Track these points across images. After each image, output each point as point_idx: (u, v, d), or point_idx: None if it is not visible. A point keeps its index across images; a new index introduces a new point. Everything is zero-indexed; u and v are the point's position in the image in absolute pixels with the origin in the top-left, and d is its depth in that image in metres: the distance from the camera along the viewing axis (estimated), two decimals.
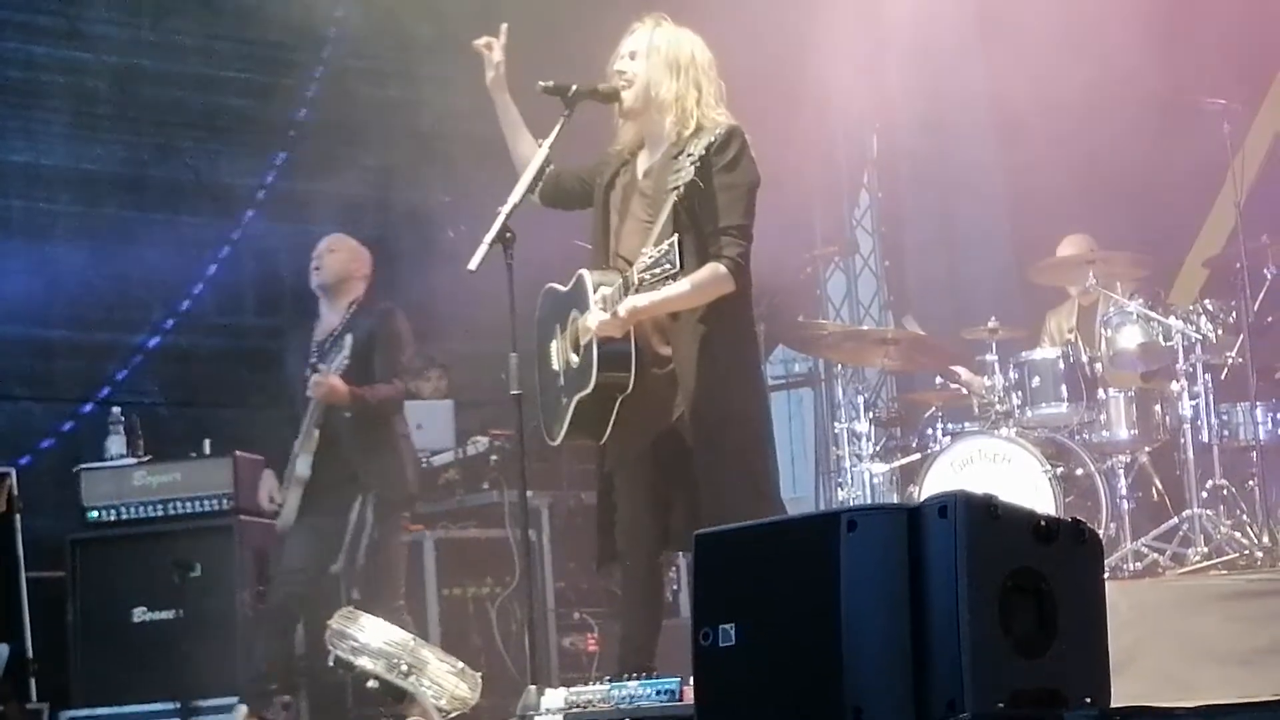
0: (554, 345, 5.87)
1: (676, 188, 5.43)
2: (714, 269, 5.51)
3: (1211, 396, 7.95)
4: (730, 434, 5.56)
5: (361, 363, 7.83)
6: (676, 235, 5.23)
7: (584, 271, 5.71)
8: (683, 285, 5.37)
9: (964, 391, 8.84)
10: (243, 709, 7.72)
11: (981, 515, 3.52)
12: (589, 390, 5.59)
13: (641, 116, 5.80)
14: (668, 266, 5.18)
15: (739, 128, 5.65)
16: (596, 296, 5.52)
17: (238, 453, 8.55)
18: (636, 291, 5.36)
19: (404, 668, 6.38)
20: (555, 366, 5.86)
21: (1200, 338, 7.91)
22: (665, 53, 5.72)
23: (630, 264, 5.47)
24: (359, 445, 7.84)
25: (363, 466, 7.83)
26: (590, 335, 5.54)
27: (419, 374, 8.23)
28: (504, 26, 5.99)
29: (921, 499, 3.60)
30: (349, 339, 7.75)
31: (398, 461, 7.97)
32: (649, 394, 5.59)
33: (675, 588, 9.02)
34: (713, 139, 5.55)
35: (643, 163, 5.83)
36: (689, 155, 5.48)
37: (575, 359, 5.70)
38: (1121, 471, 8.19)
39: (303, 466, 7.80)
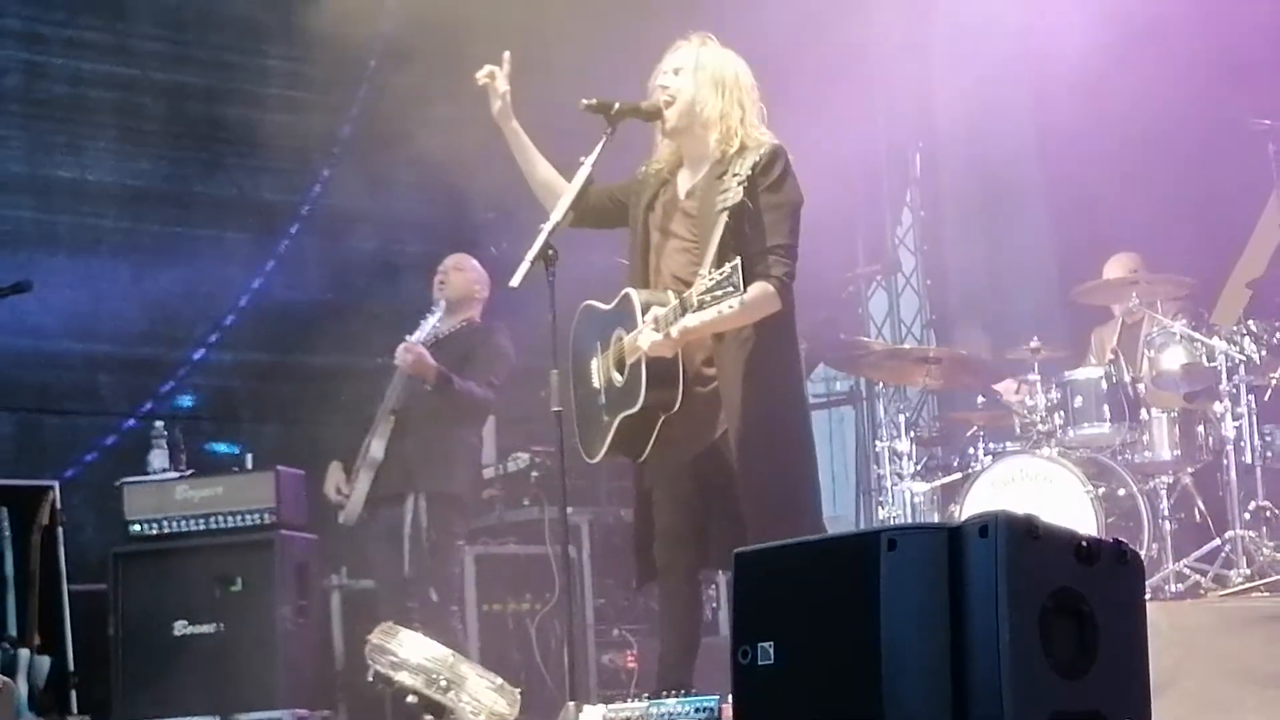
0: (594, 363, 5.87)
1: (726, 208, 5.43)
2: (762, 288, 5.51)
3: (1255, 417, 7.91)
4: (772, 453, 5.55)
5: (457, 361, 8.00)
6: (739, 258, 5.22)
7: (631, 290, 5.70)
8: (734, 306, 5.37)
9: (1009, 402, 8.81)
10: None
11: (1022, 535, 3.50)
12: (636, 409, 5.59)
13: (685, 134, 5.80)
14: (730, 289, 5.16)
15: (782, 147, 5.65)
16: (648, 316, 5.51)
17: (279, 467, 8.57)
18: (694, 312, 5.36)
19: (443, 683, 6.38)
20: (595, 384, 5.85)
21: (1244, 359, 7.87)
22: (711, 70, 5.73)
23: (685, 284, 5.48)
24: (423, 438, 7.93)
25: (417, 460, 7.91)
26: (639, 354, 5.54)
27: (502, 391, 8.28)
28: (506, 55, 5.99)
29: (962, 518, 3.58)
30: (430, 320, 8.05)
31: (452, 462, 8.03)
32: (691, 412, 5.60)
33: (715, 606, 9.01)
34: (758, 158, 5.55)
35: (684, 182, 5.83)
36: (735, 175, 5.48)
37: (619, 378, 5.69)
38: (1164, 492, 8.16)
39: (377, 449, 7.96)
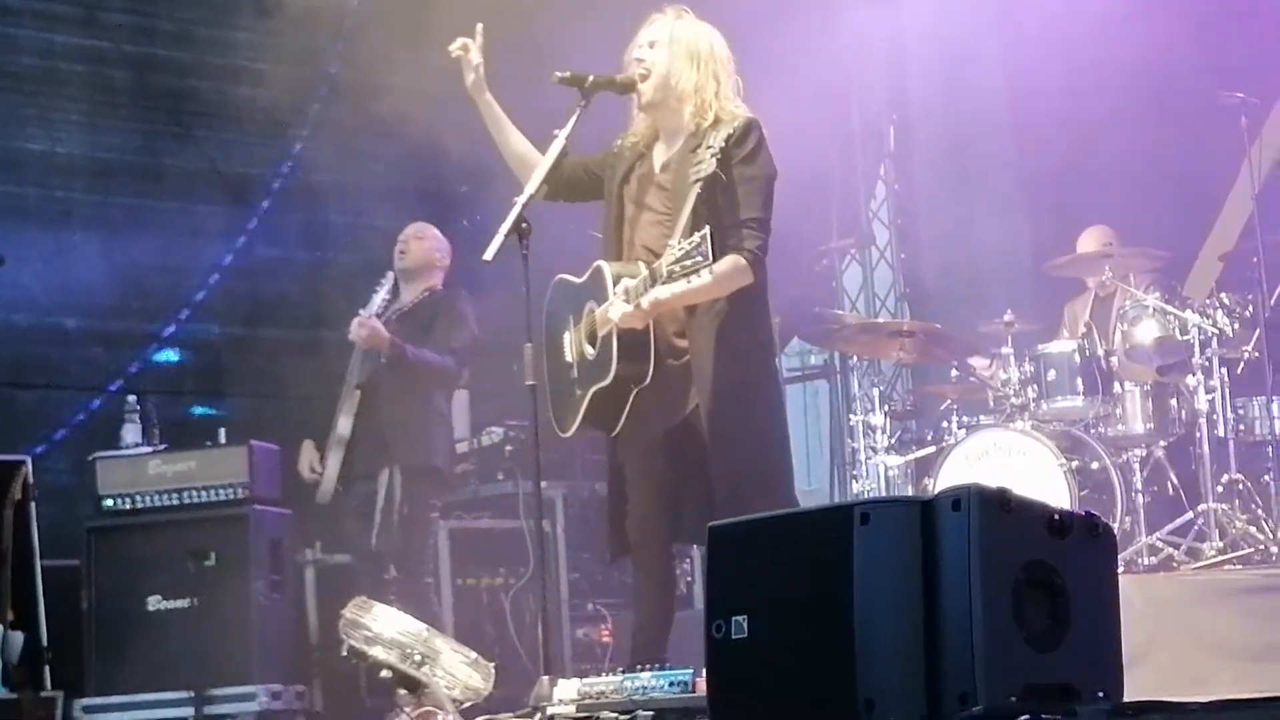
0: (567, 336, 5.86)
1: (699, 180, 5.42)
2: (734, 261, 5.51)
3: (1227, 391, 7.94)
4: (744, 426, 5.55)
5: (420, 331, 8.01)
6: (708, 228, 5.22)
7: (602, 263, 5.70)
8: (705, 277, 5.35)
9: (983, 378, 8.83)
10: None
11: (995, 509, 3.51)
12: (607, 381, 5.58)
13: (660, 108, 5.78)
14: (700, 259, 5.16)
15: (756, 120, 5.65)
16: (619, 288, 5.51)
17: (253, 442, 8.55)
18: (663, 283, 5.35)
19: (417, 657, 6.37)
20: (568, 358, 5.85)
21: (1216, 332, 7.90)
22: (686, 43, 5.72)
23: (656, 255, 5.47)
24: (393, 411, 7.93)
25: (391, 434, 7.92)
26: (610, 326, 5.53)
27: (465, 359, 8.26)
28: (479, 27, 5.97)
29: (936, 492, 3.59)
30: (390, 275, 8.04)
31: (426, 435, 8.03)
32: (663, 385, 5.59)
33: (689, 579, 9.02)
34: (732, 131, 5.54)
35: (659, 155, 5.82)
36: (709, 147, 5.48)
37: (591, 351, 5.69)
38: (1137, 465, 8.19)
39: (344, 426, 7.98)
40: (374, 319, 7.96)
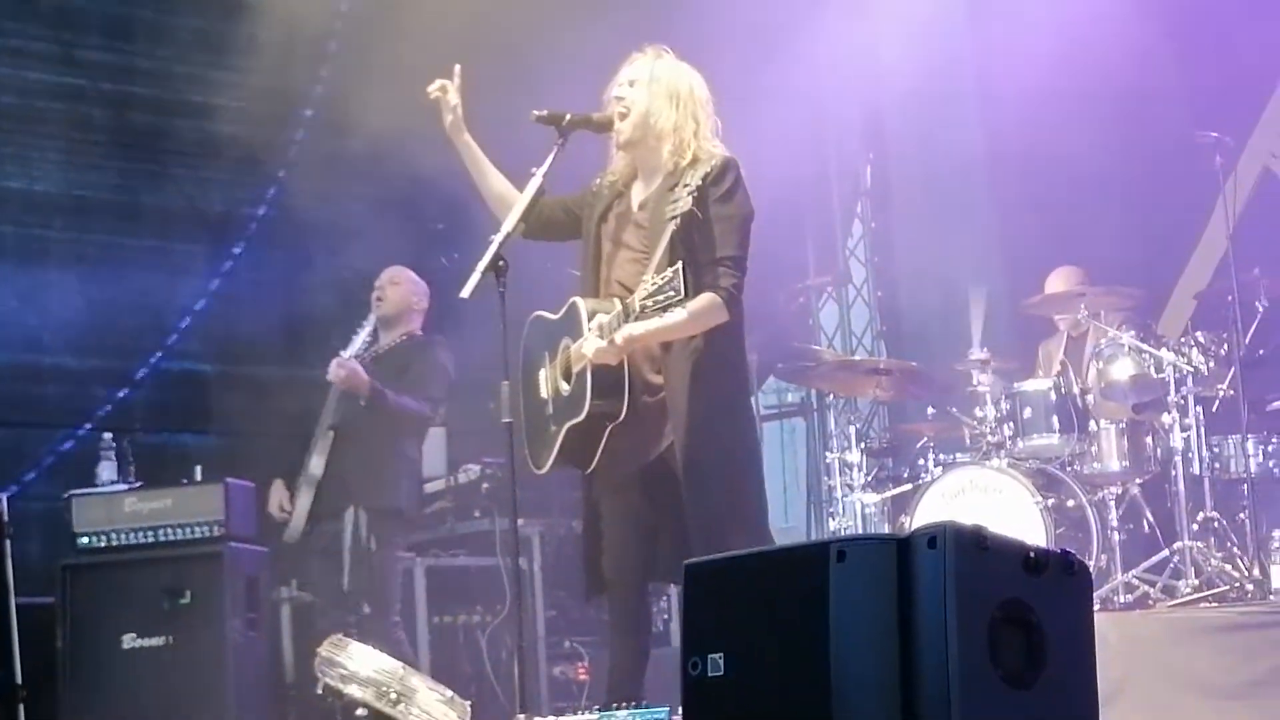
0: (542, 373, 5.87)
1: (675, 217, 5.44)
2: (710, 299, 5.52)
3: (1203, 429, 7.96)
4: (719, 463, 5.56)
5: (395, 376, 8.06)
6: (681, 263, 5.24)
7: (578, 299, 5.71)
8: (679, 314, 5.37)
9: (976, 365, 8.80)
10: None
11: (970, 546, 3.51)
12: (581, 418, 5.59)
13: (638, 146, 5.81)
14: (672, 294, 5.18)
15: (734, 160, 5.67)
16: (593, 324, 5.53)
17: (228, 479, 8.53)
18: (636, 319, 5.36)
19: (393, 696, 6.36)
20: (543, 394, 5.86)
21: (1192, 370, 7.92)
22: (666, 83, 5.75)
23: (630, 292, 5.48)
24: (362, 454, 7.97)
25: (356, 476, 7.93)
26: (584, 363, 5.54)
27: (440, 405, 8.28)
28: (457, 68, 6.00)
29: (913, 529, 3.59)
30: (369, 319, 8.13)
31: (391, 476, 8.06)
32: (639, 422, 5.60)
33: (666, 617, 9.01)
34: (709, 169, 5.57)
35: (637, 194, 5.84)
36: (685, 186, 5.50)
37: (566, 387, 5.70)
38: (1112, 503, 8.20)
39: (316, 466, 8.03)
40: (354, 361, 7.97)
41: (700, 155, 5.67)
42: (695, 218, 5.46)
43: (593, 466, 5.74)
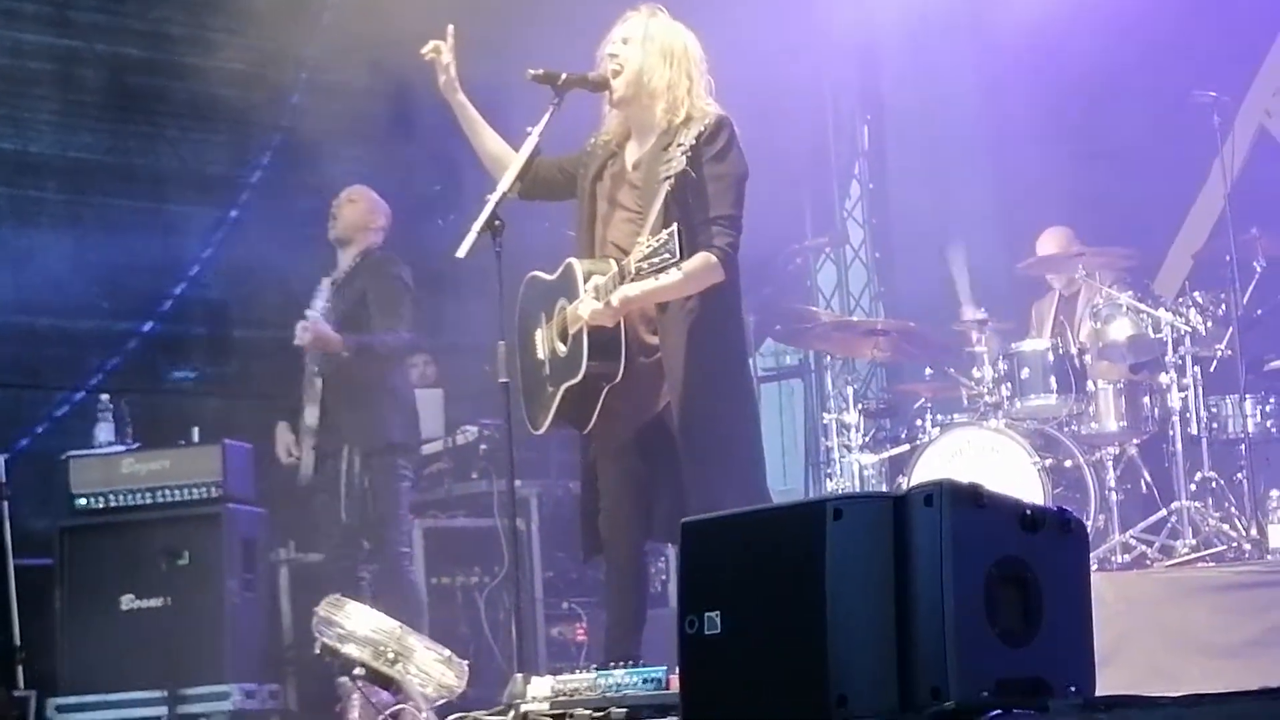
0: (539, 334, 5.86)
1: (669, 177, 5.43)
2: (705, 258, 5.51)
3: (1200, 389, 7.96)
4: (716, 424, 5.56)
5: (355, 310, 7.99)
6: (676, 225, 5.23)
7: (573, 260, 5.71)
8: (675, 275, 5.36)
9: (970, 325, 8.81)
10: None
11: (967, 504, 3.51)
12: (577, 379, 5.59)
13: (632, 104, 5.79)
14: (667, 256, 5.17)
15: (727, 118, 5.66)
16: (589, 285, 5.52)
17: (226, 440, 8.53)
18: (632, 280, 5.36)
19: (391, 655, 6.37)
20: (540, 355, 5.85)
21: (1189, 330, 7.92)
22: (660, 41, 5.72)
23: (626, 253, 5.47)
24: (348, 396, 7.97)
25: (342, 417, 7.97)
26: (580, 324, 5.54)
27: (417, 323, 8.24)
28: (450, 28, 5.97)
29: (908, 489, 3.59)
30: (326, 282, 7.97)
31: (377, 413, 8.04)
32: (635, 383, 5.60)
33: (664, 578, 9.02)
34: (702, 128, 5.55)
35: (631, 154, 5.82)
36: (679, 145, 5.48)
37: (563, 348, 5.70)
38: (1110, 463, 8.21)
39: (310, 416, 8.02)
40: (319, 322, 7.89)
41: (694, 114, 5.65)
42: (689, 177, 5.44)
43: (590, 427, 5.74)
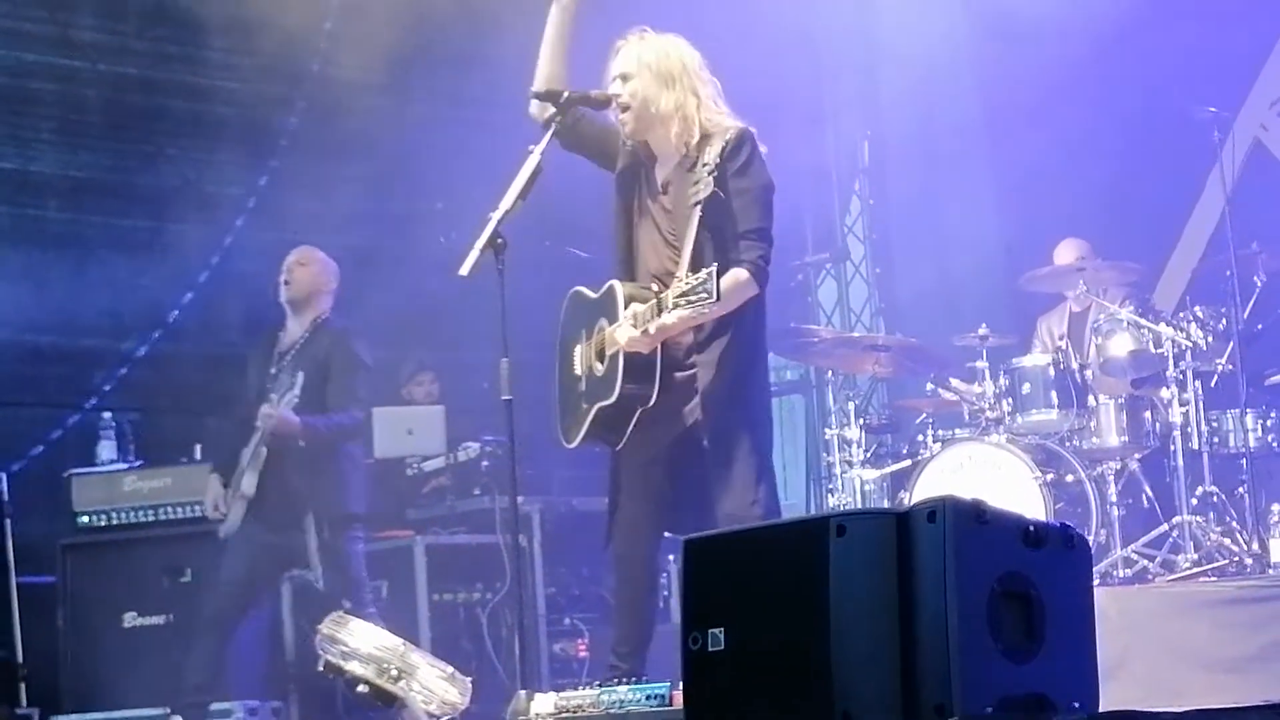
0: (578, 350, 5.91)
1: (698, 203, 5.46)
2: (737, 275, 5.55)
3: (1201, 404, 7.96)
4: (746, 436, 5.59)
5: (316, 386, 7.89)
6: (715, 265, 5.27)
7: (616, 283, 5.75)
8: (707, 310, 5.40)
9: (955, 398, 8.86)
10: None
11: (970, 520, 3.52)
12: (611, 401, 5.63)
13: (647, 133, 5.82)
14: (704, 296, 5.22)
15: (748, 130, 5.67)
16: (628, 311, 5.56)
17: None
18: (669, 313, 5.38)
19: (394, 672, 6.37)
20: (578, 371, 5.90)
21: (1190, 345, 7.92)
22: (655, 66, 5.73)
23: (661, 281, 5.57)
24: (305, 469, 7.87)
25: (307, 487, 7.88)
26: (618, 348, 5.57)
27: (368, 402, 8.16)
28: None
29: (912, 504, 3.59)
30: (300, 376, 7.84)
31: (339, 482, 7.97)
32: (669, 400, 5.63)
33: (666, 593, 9.02)
34: (724, 144, 5.57)
35: (659, 174, 5.83)
36: (705, 165, 5.51)
37: (600, 367, 5.73)
38: (1111, 478, 8.20)
39: (248, 485, 7.85)
40: (283, 410, 7.80)
41: (710, 129, 5.67)
42: (718, 198, 5.47)
43: (622, 444, 5.77)
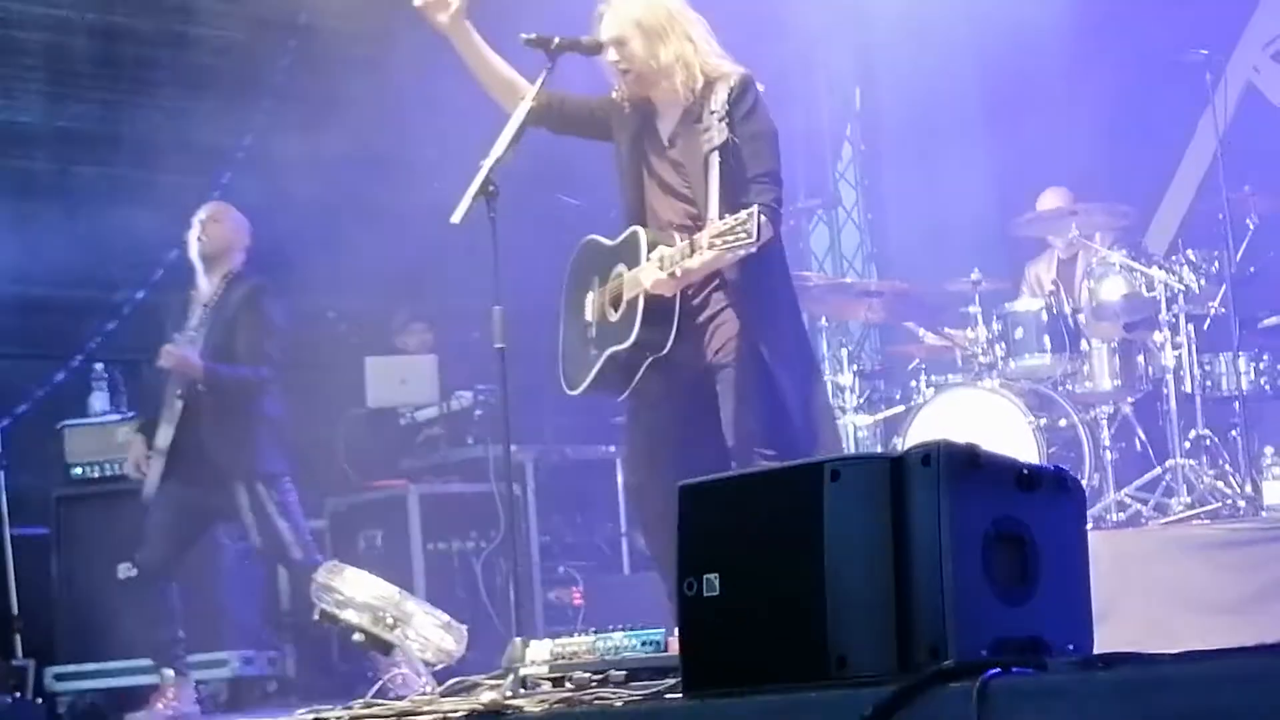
0: (590, 296, 5.87)
1: (714, 149, 5.43)
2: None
3: (1194, 347, 7.97)
4: (763, 380, 5.56)
5: (225, 340, 7.81)
6: (756, 206, 5.23)
7: (638, 229, 5.71)
8: (739, 252, 5.36)
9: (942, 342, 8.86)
10: (169, 673, 7.66)
11: (964, 464, 3.51)
12: (626, 345, 5.60)
13: (651, 89, 5.78)
14: (744, 236, 5.15)
15: (750, 75, 5.65)
16: (654, 255, 5.52)
17: None
18: (702, 254, 5.35)
19: (389, 620, 6.39)
20: (588, 317, 5.87)
21: (1183, 288, 7.92)
22: (645, 23, 5.69)
23: (681, 231, 5.54)
24: (216, 429, 7.75)
25: (221, 452, 7.73)
26: (638, 290, 5.54)
27: (280, 363, 8.05)
28: None
29: (906, 449, 3.59)
30: (201, 312, 7.79)
31: (250, 439, 7.80)
32: (681, 348, 5.60)
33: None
34: (730, 90, 5.54)
35: (663, 126, 5.80)
36: (713, 113, 5.48)
37: (614, 313, 5.71)
38: (1105, 422, 8.22)
39: (163, 437, 7.73)
40: (185, 348, 7.73)
41: (711, 74, 5.64)
42: (731, 143, 5.46)
43: (625, 395, 5.78)
